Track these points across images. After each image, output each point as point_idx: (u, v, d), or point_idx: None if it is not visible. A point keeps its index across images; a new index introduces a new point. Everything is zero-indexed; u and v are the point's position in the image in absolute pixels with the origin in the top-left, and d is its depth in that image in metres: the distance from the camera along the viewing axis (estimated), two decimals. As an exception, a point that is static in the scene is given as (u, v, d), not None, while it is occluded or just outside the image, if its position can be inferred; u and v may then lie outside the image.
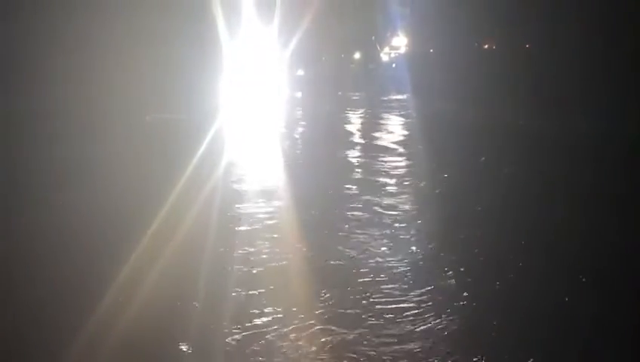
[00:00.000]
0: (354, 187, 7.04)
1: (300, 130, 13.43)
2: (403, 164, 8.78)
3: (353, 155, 9.62)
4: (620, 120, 11.42)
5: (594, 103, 12.71)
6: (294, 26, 20.17)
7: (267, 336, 3.22)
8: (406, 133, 12.69)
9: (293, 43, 19.88)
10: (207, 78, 12.60)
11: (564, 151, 9.56)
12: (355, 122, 14.95)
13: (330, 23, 25.74)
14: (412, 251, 4.71)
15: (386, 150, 9.89)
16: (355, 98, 21.59)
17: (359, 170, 8.25)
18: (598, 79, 14.61)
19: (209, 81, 12.76)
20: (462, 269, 4.26)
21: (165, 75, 10.99)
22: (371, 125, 14.04)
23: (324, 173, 7.96)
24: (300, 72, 25.25)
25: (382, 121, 14.69)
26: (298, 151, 10.20)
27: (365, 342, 3.14)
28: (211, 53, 13.02)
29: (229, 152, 9.31)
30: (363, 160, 9.11)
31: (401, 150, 10.04)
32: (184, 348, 3.11)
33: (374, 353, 3.03)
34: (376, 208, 5.98)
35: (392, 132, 12.83)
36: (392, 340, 3.17)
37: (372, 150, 9.91)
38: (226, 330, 3.29)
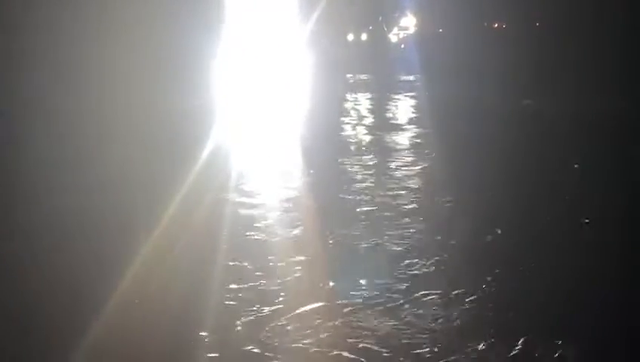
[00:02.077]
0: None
1: (307, 114, 13.31)
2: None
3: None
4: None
5: (607, 83, 12.61)
6: (306, 9, 20.00)
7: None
8: (417, 114, 12.61)
9: (301, 26, 19.72)
10: (214, 64, 12.57)
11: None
12: (364, 104, 14.88)
13: (336, 3, 25.46)
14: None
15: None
16: (362, 80, 21.41)
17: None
18: (610, 58, 14.44)
19: (215, 67, 12.71)
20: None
21: (175, 64, 10.97)
22: (382, 111, 13.96)
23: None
24: (307, 56, 25.01)
25: (392, 103, 14.61)
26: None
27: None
28: (219, 38, 12.97)
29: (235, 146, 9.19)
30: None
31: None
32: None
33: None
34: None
35: (403, 115, 12.79)
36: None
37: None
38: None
